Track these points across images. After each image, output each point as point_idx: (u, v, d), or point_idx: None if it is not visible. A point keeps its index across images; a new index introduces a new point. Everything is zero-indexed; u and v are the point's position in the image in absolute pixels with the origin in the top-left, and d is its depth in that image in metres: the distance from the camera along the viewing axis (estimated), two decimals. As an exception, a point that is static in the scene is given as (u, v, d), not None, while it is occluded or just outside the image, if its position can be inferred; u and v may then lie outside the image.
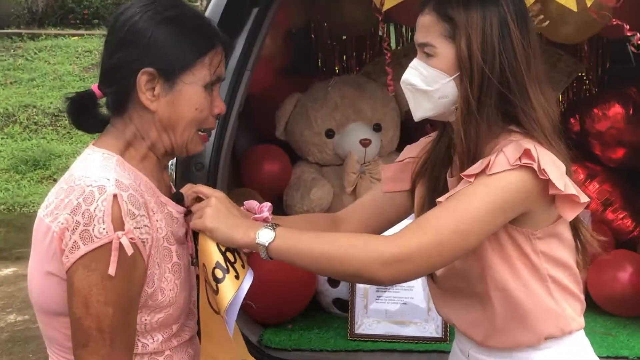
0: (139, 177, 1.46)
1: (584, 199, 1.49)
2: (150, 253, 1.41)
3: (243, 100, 2.82)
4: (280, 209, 3.35)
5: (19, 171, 9.21)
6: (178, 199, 1.55)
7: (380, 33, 2.00)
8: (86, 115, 1.52)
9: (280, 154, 3.41)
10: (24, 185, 8.79)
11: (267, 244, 1.46)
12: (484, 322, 1.62)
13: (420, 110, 1.62)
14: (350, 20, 2.46)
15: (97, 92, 1.50)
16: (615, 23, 2.28)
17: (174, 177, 2.58)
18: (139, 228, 1.37)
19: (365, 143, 3.33)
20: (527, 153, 1.45)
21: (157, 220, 1.45)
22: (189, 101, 1.47)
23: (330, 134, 3.40)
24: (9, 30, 16.23)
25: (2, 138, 10.38)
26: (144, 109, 1.46)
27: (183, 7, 1.51)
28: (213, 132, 2.70)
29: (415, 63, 1.60)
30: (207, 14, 2.90)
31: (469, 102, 1.52)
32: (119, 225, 1.33)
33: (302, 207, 3.25)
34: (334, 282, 3.01)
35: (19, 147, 9.98)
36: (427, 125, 3.53)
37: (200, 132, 1.53)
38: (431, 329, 2.78)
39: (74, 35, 15.90)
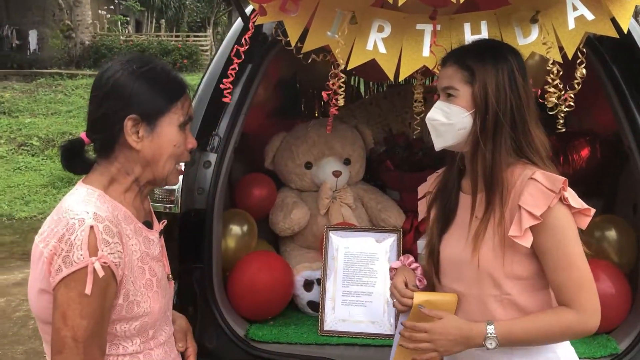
0: (117, 208, 1.44)
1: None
2: (123, 273, 1.40)
3: (238, 138, 2.84)
4: (266, 226, 3.36)
5: (56, 187, 9.16)
6: (148, 225, 1.55)
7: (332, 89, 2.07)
8: (75, 159, 1.50)
9: (268, 181, 3.40)
10: (59, 199, 8.71)
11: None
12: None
13: (441, 141, 1.65)
14: (325, 74, 2.50)
15: (86, 139, 1.49)
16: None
17: (180, 199, 2.61)
18: (112, 253, 1.36)
19: (336, 174, 3.34)
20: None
21: (132, 245, 1.44)
22: (167, 140, 1.47)
23: (308, 165, 3.41)
24: (52, 71, 16.23)
25: (43, 159, 10.33)
26: (129, 149, 1.45)
27: (155, 63, 1.51)
28: (212, 162, 2.75)
29: (439, 104, 1.65)
30: (211, 67, 2.94)
31: (480, 132, 1.58)
32: (93, 251, 1.32)
33: (284, 225, 3.25)
34: (308, 287, 3.02)
35: (56, 167, 9.94)
36: (386, 161, 3.60)
37: (177, 167, 1.53)
38: (385, 327, 2.78)
39: (105, 75, 15.84)
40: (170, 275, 1.62)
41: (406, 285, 1.72)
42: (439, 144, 1.66)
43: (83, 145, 1.49)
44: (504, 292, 1.57)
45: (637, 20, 2.75)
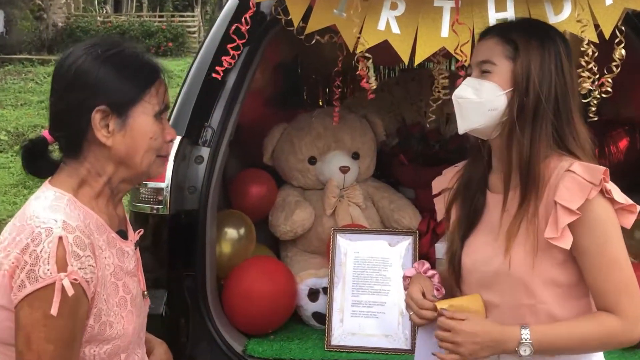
0: (89, 216, 1.40)
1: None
2: (95, 291, 1.36)
3: (234, 130, 2.84)
4: (265, 229, 3.36)
5: (27, 186, 9.14)
6: (122, 235, 1.50)
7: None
8: (39, 161, 1.45)
9: (267, 178, 3.40)
10: (32, 200, 8.75)
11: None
12: None
13: (467, 122, 1.63)
14: (330, 58, 2.52)
15: (49, 137, 1.44)
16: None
17: (168, 199, 2.60)
18: (84, 268, 1.32)
19: (344, 170, 3.33)
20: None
21: (105, 258, 1.41)
22: (142, 132, 1.43)
23: (312, 160, 3.40)
24: (21, 56, 16.27)
25: (12, 155, 10.33)
26: (99, 146, 1.41)
27: (123, 46, 1.46)
28: (205, 157, 2.75)
29: (469, 80, 1.63)
30: (203, 50, 2.94)
31: (518, 116, 1.55)
32: (62, 266, 1.28)
33: (286, 227, 3.25)
34: (313, 297, 3.02)
35: (27, 164, 9.93)
36: (400, 155, 3.60)
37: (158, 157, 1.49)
38: (400, 341, 2.77)
39: (81, 61, 15.91)
40: (146, 292, 1.59)
41: (424, 295, 1.70)
42: (463, 126, 1.64)
43: (46, 145, 1.44)
44: (540, 300, 1.55)
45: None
